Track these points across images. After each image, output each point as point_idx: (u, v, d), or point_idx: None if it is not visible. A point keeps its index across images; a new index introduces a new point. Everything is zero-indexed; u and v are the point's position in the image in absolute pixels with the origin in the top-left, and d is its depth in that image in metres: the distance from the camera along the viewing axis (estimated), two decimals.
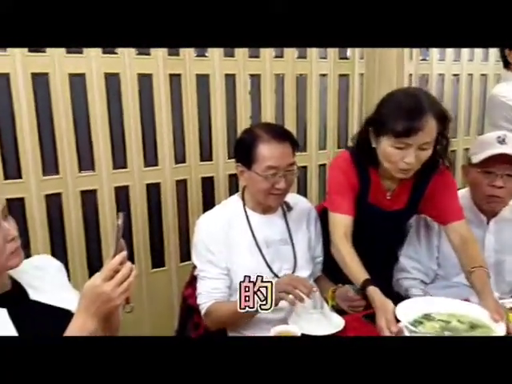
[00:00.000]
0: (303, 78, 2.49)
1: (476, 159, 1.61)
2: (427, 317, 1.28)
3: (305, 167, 2.57)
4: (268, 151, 1.50)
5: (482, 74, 3.16)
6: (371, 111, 1.51)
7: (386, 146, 1.42)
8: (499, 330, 1.17)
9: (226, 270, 1.58)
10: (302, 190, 2.56)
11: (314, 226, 1.72)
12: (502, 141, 1.59)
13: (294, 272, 1.61)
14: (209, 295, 1.57)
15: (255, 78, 2.36)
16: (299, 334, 1.23)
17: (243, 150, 1.56)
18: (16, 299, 1.11)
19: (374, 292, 1.35)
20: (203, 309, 1.57)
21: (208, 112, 2.26)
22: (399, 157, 1.41)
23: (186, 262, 2.28)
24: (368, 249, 1.52)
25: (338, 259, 1.53)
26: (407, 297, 1.57)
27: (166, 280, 2.30)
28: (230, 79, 2.29)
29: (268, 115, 2.40)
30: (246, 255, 1.58)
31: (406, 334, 1.20)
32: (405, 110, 1.37)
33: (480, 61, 3.15)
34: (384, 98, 1.48)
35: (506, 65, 2.22)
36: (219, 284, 1.57)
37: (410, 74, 2.77)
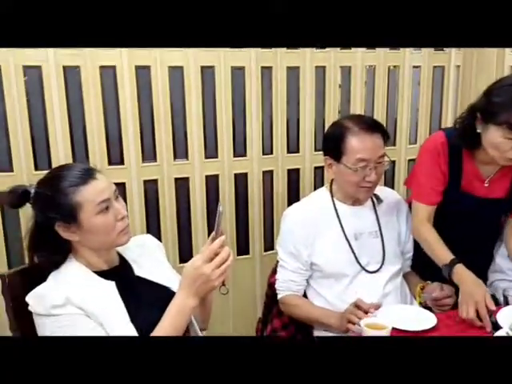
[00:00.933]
0: (395, 70, 2.43)
1: None
2: None
3: (393, 162, 2.51)
4: (358, 143, 1.48)
5: None
6: (478, 98, 1.45)
7: (495, 136, 1.37)
8: None
9: (307, 265, 1.60)
10: (390, 186, 2.50)
11: (404, 220, 1.69)
12: None
13: (382, 266, 1.59)
14: (286, 285, 1.62)
15: (345, 70, 2.33)
16: (390, 328, 1.22)
17: (332, 142, 1.55)
18: (123, 274, 1.21)
19: (462, 270, 1.33)
20: (279, 295, 1.65)
21: (297, 105, 2.28)
22: (509, 147, 1.35)
23: (269, 252, 2.32)
24: (460, 244, 1.47)
25: (421, 241, 1.54)
26: (505, 300, 1.49)
27: (250, 267, 2.36)
28: (320, 71, 2.29)
29: (358, 108, 2.37)
30: (334, 247, 1.58)
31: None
32: None
33: None
34: (494, 84, 1.41)
35: None
36: (297, 277, 1.61)
37: (511, 66, 2.59)
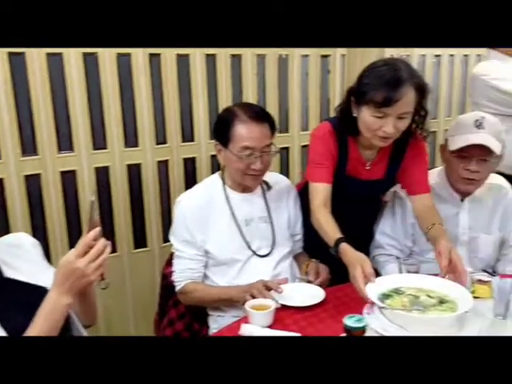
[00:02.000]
0: (284, 59, 2.49)
1: (452, 145, 1.63)
2: (397, 291, 1.31)
3: (287, 148, 2.59)
4: (244, 131, 1.50)
5: (465, 55, 3.18)
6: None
7: (366, 115, 1.45)
8: (465, 306, 1.19)
9: (203, 251, 1.60)
10: (285, 171, 2.58)
11: (293, 204, 1.74)
12: (479, 125, 1.61)
13: (272, 250, 1.64)
14: (184, 274, 1.61)
15: (236, 59, 2.35)
16: (274, 306, 1.26)
17: (221, 128, 1.56)
18: None
19: (347, 248, 1.39)
20: (178, 286, 1.61)
21: (189, 94, 2.27)
22: (378, 125, 1.44)
23: (168, 243, 2.29)
24: (348, 224, 1.55)
25: (316, 226, 1.57)
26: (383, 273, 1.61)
27: (149, 260, 2.32)
28: (211, 60, 2.29)
29: (250, 97, 2.40)
30: (225, 233, 1.60)
31: (376, 310, 1.24)
32: (384, 81, 1.39)
33: None
34: (365, 68, 1.50)
35: None
36: (195, 265, 1.61)
37: (391, 55, 2.77)
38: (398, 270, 1.57)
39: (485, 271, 1.56)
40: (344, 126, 1.58)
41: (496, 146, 1.58)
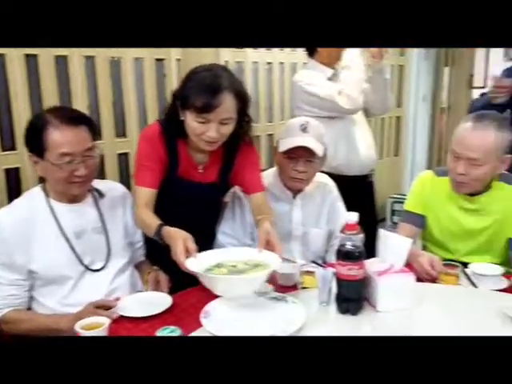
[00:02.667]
0: (117, 62, 2.39)
1: (282, 147, 1.73)
2: (218, 265, 1.34)
3: (126, 154, 2.49)
4: (59, 137, 1.39)
5: (293, 63, 3.42)
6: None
7: (190, 120, 1.46)
8: (275, 265, 1.29)
9: (25, 274, 1.44)
10: (125, 178, 2.48)
11: (130, 212, 1.67)
12: (304, 129, 1.73)
13: (107, 262, 1.54)
14: (4, 302, 1.44)
15: (61, 61, 2.19)
16: (107, 323, 1.18)
17: (33, 137, 1.42)
18: None
19: (168, 229, 1.37)
20: None
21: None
22: (201, 130, 1.45)
23: None
24: (186, 226, 1.52)
25: (141, 226, 1.54)
26: None
27: None
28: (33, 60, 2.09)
29: (79, 102, 2.25)
30: (52, 249, 1.46)
31: (212, 312, 1.28)
32: (204, 87, 1.40)
33: (290, 50, 3.40)
34: (188, 73, 1.50)
35: (311, 53, 2.42)
36: (16, 290, 1.45)
37: (226, 61, 2.86)
38: None
39: (315, 262, 1.67)
40: (172, 129, 1.56)
41: (318, 149, 1.71)
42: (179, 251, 1.27)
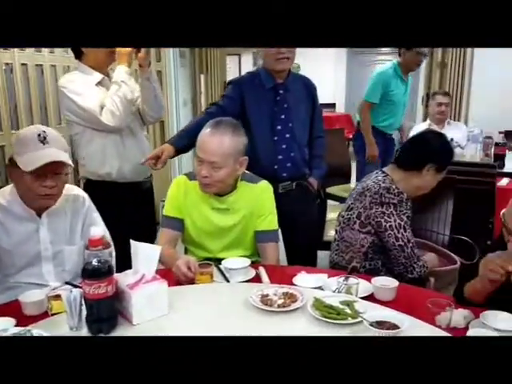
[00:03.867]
0: None
1: (26, 166, 1.52)
2: None
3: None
4: None
5: (52, 65, 3.16)
6: None
7: None
8: None
9: None
10: None
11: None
12: (43, 139, 1.55)
13: None
14: None
15: None
16: None
17: None
18: None
19: None
20: None
21: None
22: None
23: None
24: None
25: None
26: None
27: None
28: None
29: None
30: None
31: None
32: None
33: (61, 51, 3.14)
34: None
35: (78, 55, 2.22)
36: None
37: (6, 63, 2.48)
38: None
39: (70, 283, 1.54)
40: None
41: (67, 159, 1.58)
42: None
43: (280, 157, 2.31)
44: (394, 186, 1.84)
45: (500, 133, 3.64)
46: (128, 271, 1.39)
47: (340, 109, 9.65)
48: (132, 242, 1.39)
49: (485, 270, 1.29)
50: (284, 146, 2.31)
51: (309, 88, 2.44)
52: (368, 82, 3.73)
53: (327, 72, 10.06)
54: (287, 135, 2.31)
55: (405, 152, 1.96)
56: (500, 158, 2.84)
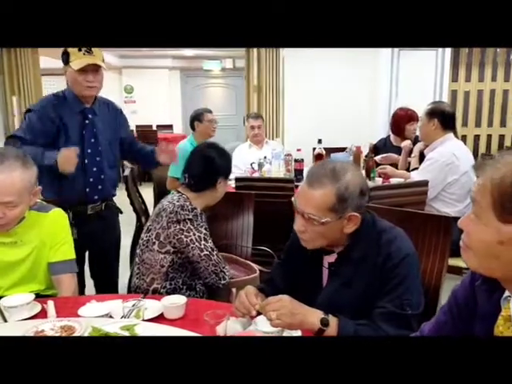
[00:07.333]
0: None
1: None
2: None
3: None
4: None
5: None
6: None
7: None
8: None
9: None
10: None
11: None
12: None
13: None
14: None
15: None
16: None
17: None
18: None
19: None
20: None
21: None
22: None
23: None
24: None
25: None
26: None
27: None
28: None
29: None
30: None
31: None
32: None
33: None
34: None
35: None
36: None
37: None
38: None
39: None
40: None
41: None
42: None
43: (91, 179, 2.35)
44: (187, 203, 1.90)
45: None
46: None
47: (178, 130, 9.76)
48: None
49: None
50: (95, 169, 2.36)
51: (115, 111, 2.54)
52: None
53: (162, 94, 10.13)
54: (97, 158, 2.37)
55: (194, 178, 1.99)
56: (299, 173, 3.15)
